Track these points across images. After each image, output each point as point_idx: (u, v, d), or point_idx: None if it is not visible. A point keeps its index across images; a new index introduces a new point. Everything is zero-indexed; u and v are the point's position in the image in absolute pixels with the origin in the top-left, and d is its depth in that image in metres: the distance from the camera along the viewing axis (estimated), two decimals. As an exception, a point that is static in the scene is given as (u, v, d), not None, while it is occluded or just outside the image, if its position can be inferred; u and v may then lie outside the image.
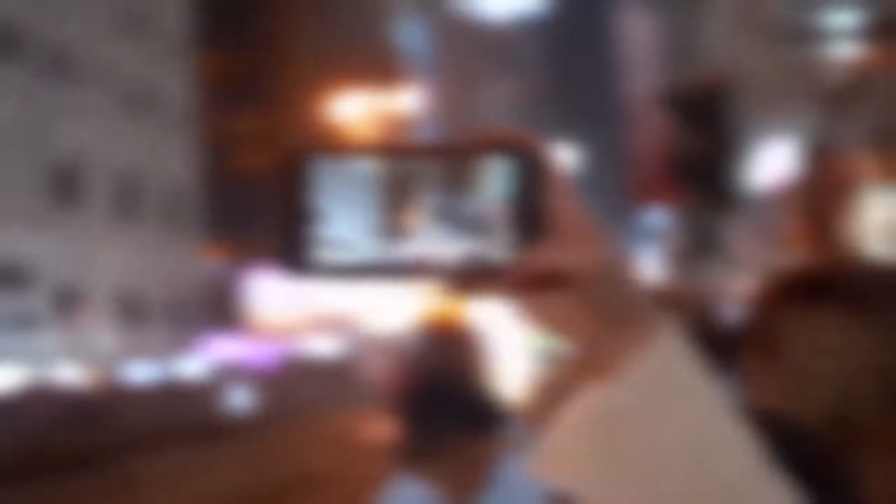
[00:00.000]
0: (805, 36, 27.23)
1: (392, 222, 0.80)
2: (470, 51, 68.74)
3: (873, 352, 1.22)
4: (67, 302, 34.76)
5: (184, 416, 25.09)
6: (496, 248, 0.80)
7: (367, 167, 0.81)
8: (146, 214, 40.36)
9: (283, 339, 41.57)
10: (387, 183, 0.81)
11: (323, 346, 41.79)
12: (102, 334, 35.65)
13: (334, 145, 0.81)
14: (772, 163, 29.35)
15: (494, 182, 0.80)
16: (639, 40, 73.04)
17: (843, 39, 26.06)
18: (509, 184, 0.80)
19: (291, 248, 0.80)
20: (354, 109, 39.85)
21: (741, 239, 31.84)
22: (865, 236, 23.33)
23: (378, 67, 51.92)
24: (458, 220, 0.80)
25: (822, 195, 26.01)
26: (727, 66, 31.37)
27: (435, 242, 0.80)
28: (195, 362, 33.95)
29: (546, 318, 0.81)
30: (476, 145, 0.80)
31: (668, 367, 0.81)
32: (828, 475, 1.13)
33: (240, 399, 29.39)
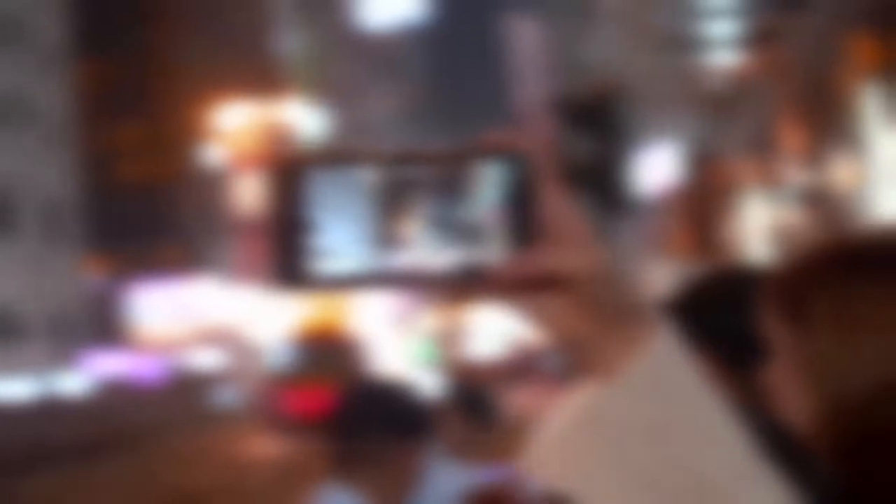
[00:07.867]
0: (686, 44, 27.78)
1: (387, 230, 0.80)
2: (355, 60, 68.58)
3: None
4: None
5: (63, 434, 24.43)
6: (491, 254, 0.80)
7: (360, 176, 0.80)
8: (23, 229, 39.29)
9: (165, 352, 40.88)
10: (381, 191, 0.80)
11: (205, 359, 41.15)
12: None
13: (327, 154, 0.80)
14: (655, 168, 29.81)
15: (488, 187, 0.80)
16: (525, 48, 73.77)
17: (722, 48, 26.70)
18: (503, 189, 0.80)
19: (285, 260, 0.79)
20: (238, 119, 39.38)
21: (629, 245, 32.30)
22: (746, 240, 23.78)
23: (262, 77, 51.42)
24: (452, 227, 0.80)
25: (703, 199, 26.50)
26: (612, 74, 31.83)
27: (429, 250, 0.80)
28: (77, 378, 33.18)
29: (542, 320, 0.82)
30: (469, 151, 0.81)
31: (663, 368, 0.82)
32: (816, 473, 1.12)
33: (122, 415, 28.75)
